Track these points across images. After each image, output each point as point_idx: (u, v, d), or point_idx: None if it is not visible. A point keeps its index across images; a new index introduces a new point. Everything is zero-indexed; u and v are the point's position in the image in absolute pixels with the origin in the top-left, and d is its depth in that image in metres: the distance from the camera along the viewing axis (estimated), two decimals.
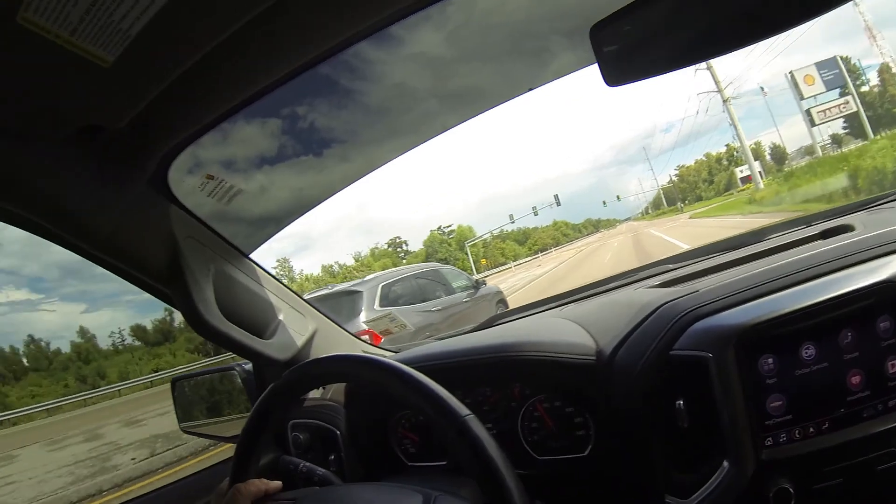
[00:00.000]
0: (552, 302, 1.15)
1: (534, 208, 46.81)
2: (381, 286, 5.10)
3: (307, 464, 0.90)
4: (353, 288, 5.09)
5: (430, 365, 0.86)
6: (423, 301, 5.54)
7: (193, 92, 0.63)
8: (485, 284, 6.91)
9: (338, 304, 5.01)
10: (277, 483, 0.66)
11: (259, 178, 0.99)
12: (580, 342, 0.79)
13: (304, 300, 1.03)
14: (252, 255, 0.93)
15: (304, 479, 0.89)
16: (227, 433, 1.11)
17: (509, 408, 0.82)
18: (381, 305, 4.94)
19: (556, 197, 48.32)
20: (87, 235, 0.74)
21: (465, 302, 5.99)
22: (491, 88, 1.13)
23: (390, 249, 52.31)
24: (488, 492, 0.52)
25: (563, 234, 68.19)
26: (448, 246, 49.97)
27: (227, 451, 1.15)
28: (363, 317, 4.66)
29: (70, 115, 0.61)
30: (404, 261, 47.53)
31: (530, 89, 1.06)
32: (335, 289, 5.47)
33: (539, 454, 0.81)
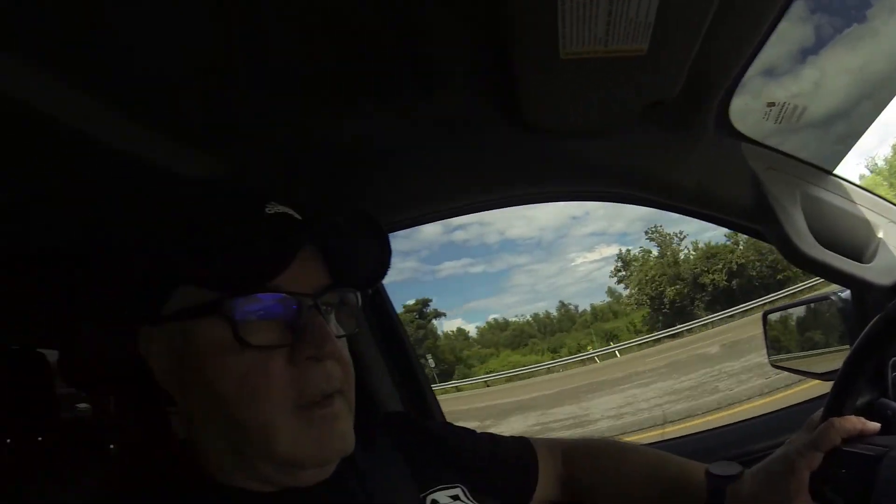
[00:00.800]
0: None
1: None
2: None
3: None
4: None
5: None
6: None
7: (726, 33, 0.62)
8: None
9: None
10: (875, 425, 0.58)
11: (809, 76, 0.88)
12: None
13: None
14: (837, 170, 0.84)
15: None
16: (818, 369, 1.04)
17: None
18: None
19: None
20: (675, 194, 0.85)
21: None
22: None
23: None
24: None
25: None
26: None
27: (816, 388, 1.08)
28: None
29: (631, 102, 0.71)
30: None
31: None
32: None
33: None
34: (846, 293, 0.91)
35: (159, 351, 0.49)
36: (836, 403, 0.63)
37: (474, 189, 0.97)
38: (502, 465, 0.70)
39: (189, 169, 0.71)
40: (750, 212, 0.83)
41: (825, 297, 0.94)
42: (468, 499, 0.62)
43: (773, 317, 1.09)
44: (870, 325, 0.61)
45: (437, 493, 0.60)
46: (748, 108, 0.80)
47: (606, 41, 0.57)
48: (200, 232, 0.48)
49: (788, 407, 1.16)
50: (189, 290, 0.46)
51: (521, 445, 0.74)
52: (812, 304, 1.02)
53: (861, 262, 0.82)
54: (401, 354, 1.14)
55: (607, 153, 0.83)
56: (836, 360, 0.98)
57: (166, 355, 0.49)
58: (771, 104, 0.79)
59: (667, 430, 6.20)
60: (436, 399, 1.17)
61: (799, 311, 1.06)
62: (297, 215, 0.50)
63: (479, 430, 0.75)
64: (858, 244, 0.83)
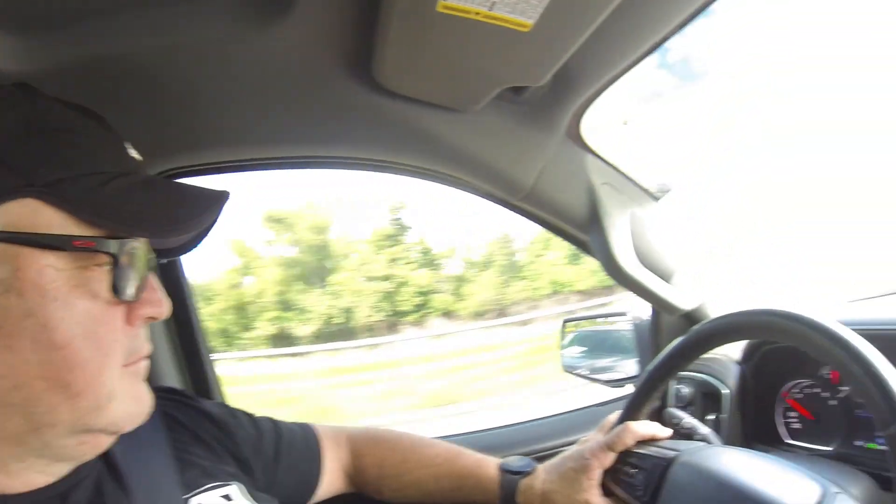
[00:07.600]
0: None
1: None
2: None
3: (691, 419, 0.85)
4: None
5: (881, 330, 0.67)
6: None
7: (609, 41, 0.61)
8: None
9: None
10: (668, 431, 0.65)
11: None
12: None
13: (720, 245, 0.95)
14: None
15: (684, 435, 0.85)
16: (606, 377, 1.15)
17: None
18: None
19: None
20: (513, 190, 0.83)
21: None
22: None
23: None
24: None
25: None
26: None
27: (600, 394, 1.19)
28: None
29: (496, 80, 0.66)
30: None
31: None
32: None
33: None
34: (635, 313, 1.01)
35: None
36: (632, 408, 0.68)
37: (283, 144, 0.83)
38: (286, 456, 0.64)
39: None
40: (581, 222, 0.86)
41: (623, 312, 1.03)
42: (244, 498, 0.54)
43: (571, 325, 1.18)
44: (677, 341, 0.66)
45: (206, 493, 0.52)
46: (600, 124, 0.81)
47: (493, 4, 0.50)
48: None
49: (578, 409, 1.25)
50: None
51: (305, 433, 0.69)
52: (610, 317, 1.12)
53: (669, 283, 0.92)
54: (186, 323, 0.97)
55: (453, 130, 0.76)
56: (623, 369, 1.10)
57: None
58: (624, 123, 0.81)
59: None
60: (216, 374, 1.02)
61: (596, 322, 1.16)
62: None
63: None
64: (671, 267, 0.92)
